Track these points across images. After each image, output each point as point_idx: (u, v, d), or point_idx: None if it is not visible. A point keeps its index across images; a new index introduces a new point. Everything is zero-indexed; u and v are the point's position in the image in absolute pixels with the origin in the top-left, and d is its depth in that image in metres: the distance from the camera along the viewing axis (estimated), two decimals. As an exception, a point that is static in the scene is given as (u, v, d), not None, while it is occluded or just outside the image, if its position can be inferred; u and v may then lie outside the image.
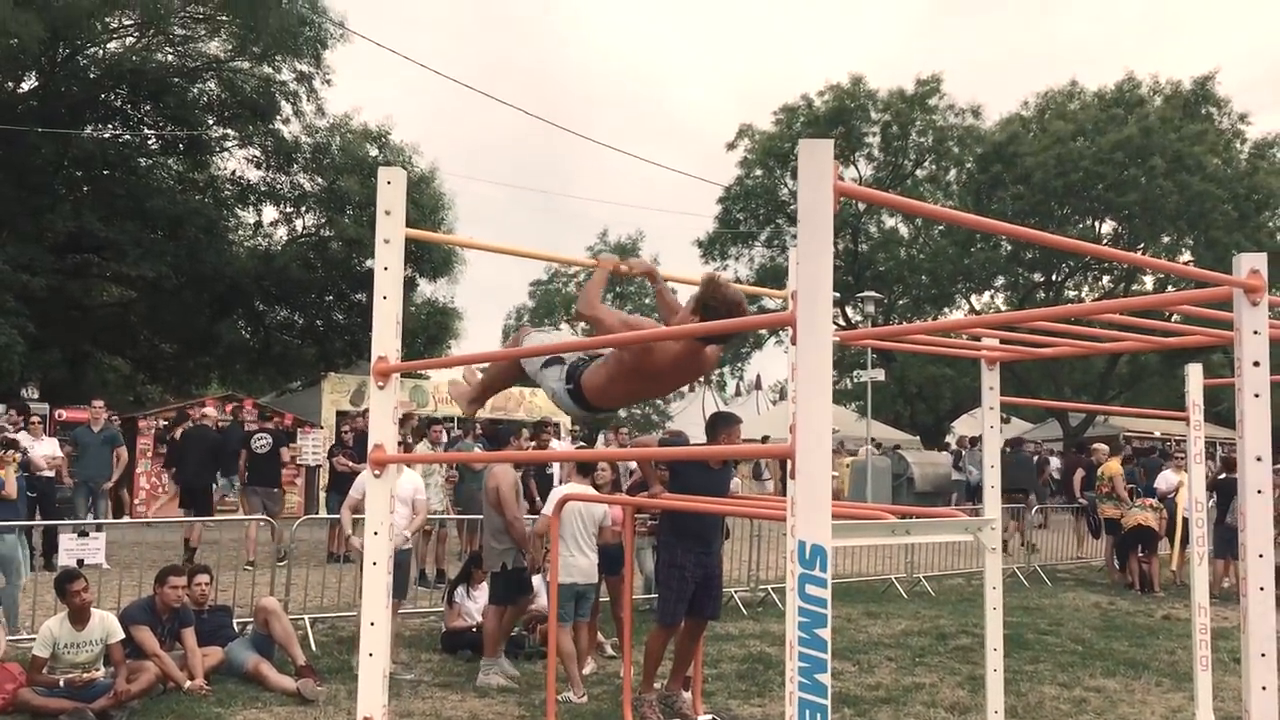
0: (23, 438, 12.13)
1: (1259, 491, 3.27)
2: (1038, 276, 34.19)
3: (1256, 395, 3.27)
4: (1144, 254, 32.72)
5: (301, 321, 26.78)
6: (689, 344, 4.08)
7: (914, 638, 10.05)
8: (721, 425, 6.76)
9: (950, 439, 33.71)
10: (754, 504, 6.38)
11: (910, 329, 4.18)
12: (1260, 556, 3.22)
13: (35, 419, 13.28)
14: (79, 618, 6.83)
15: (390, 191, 3.78)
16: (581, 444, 17.51)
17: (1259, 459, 3.28)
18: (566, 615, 7.56)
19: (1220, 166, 30.71)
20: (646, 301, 36.86)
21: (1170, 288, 33.11)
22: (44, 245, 20.75)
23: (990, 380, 5.67)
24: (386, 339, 3.73)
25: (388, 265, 3.76)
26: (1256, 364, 3.28)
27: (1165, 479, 14.79)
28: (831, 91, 34.47)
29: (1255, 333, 3.31)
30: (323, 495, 16.87)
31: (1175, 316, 22.63)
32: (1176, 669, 8.92)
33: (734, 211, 36.30)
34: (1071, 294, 35.00)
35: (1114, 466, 14.52)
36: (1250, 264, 3.36)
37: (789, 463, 2.46)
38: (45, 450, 12.25)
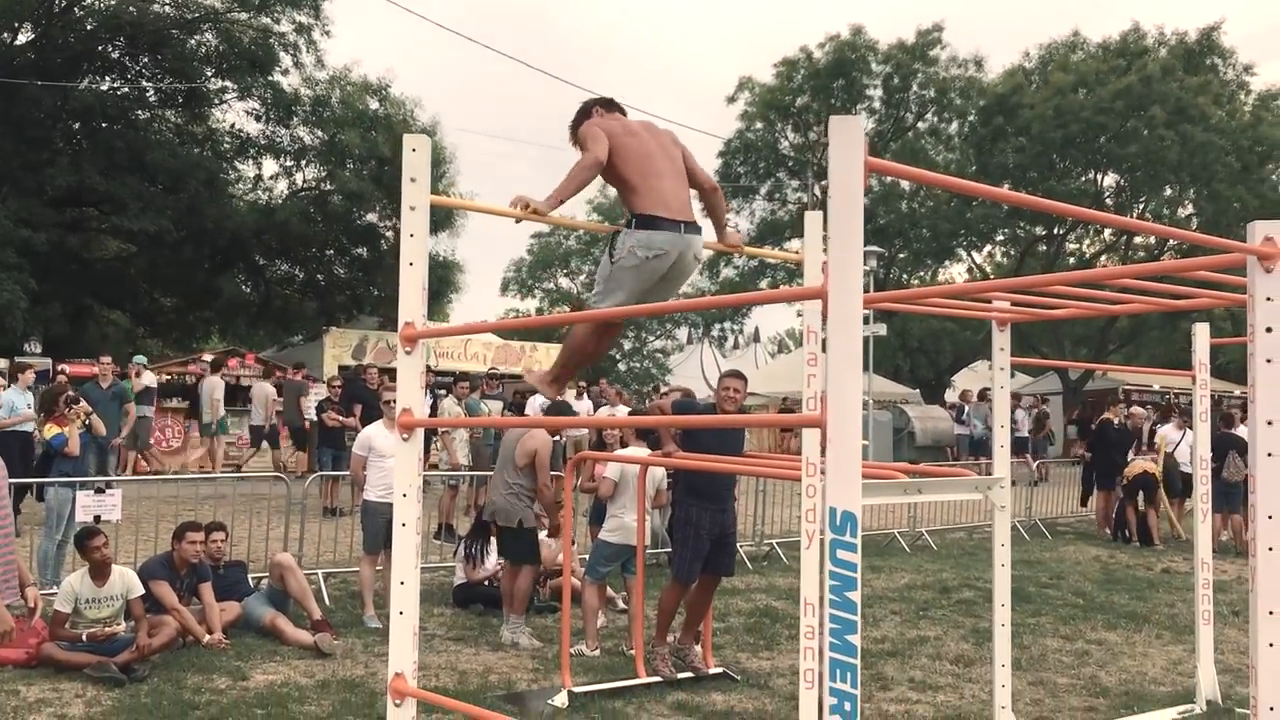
0: (11, 393, 12.15)
1: (1269, 455, 3.34)
2: (1039, 230, 34.16)
3: (1269, 360, 3.33)
4: (1146, 206, 32.72)
5: (302, 276, 26.81)
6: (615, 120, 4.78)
7: (917, 591, 10.22)
8: (721, 378, 7.05)
9: (951, 393, 33.87)
10: (768, 463, 6.46)
11: (925, 292, 4.24)
12: (1270, 518, 3.30)
13: (32, 371, 13.21)
14: (100, 573, 6.94)
15: (415, 158, 3.81)
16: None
17: (1270, 423, 3.34)
18: (600, 573, 7.72)
19: (1224, 118, 30.58)
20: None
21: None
22: (43, 200, 20.71)
23: (1001, 341, 5.75)
24: (413, 305, 3.78)
25: (414, 232, 3.80)
26: (1269, 330, 3.34)
27: (1166, 435, 14.91)
28: (832, 43, 34.22)
29: (1268, 299, 3.37)
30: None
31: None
32: (1176, 622, 9.08)
33: (734, 165, 36.18)
34: (1072, 246, 35.01)
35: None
36: (1265, 231, 3.41)
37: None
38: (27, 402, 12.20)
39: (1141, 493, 14.09)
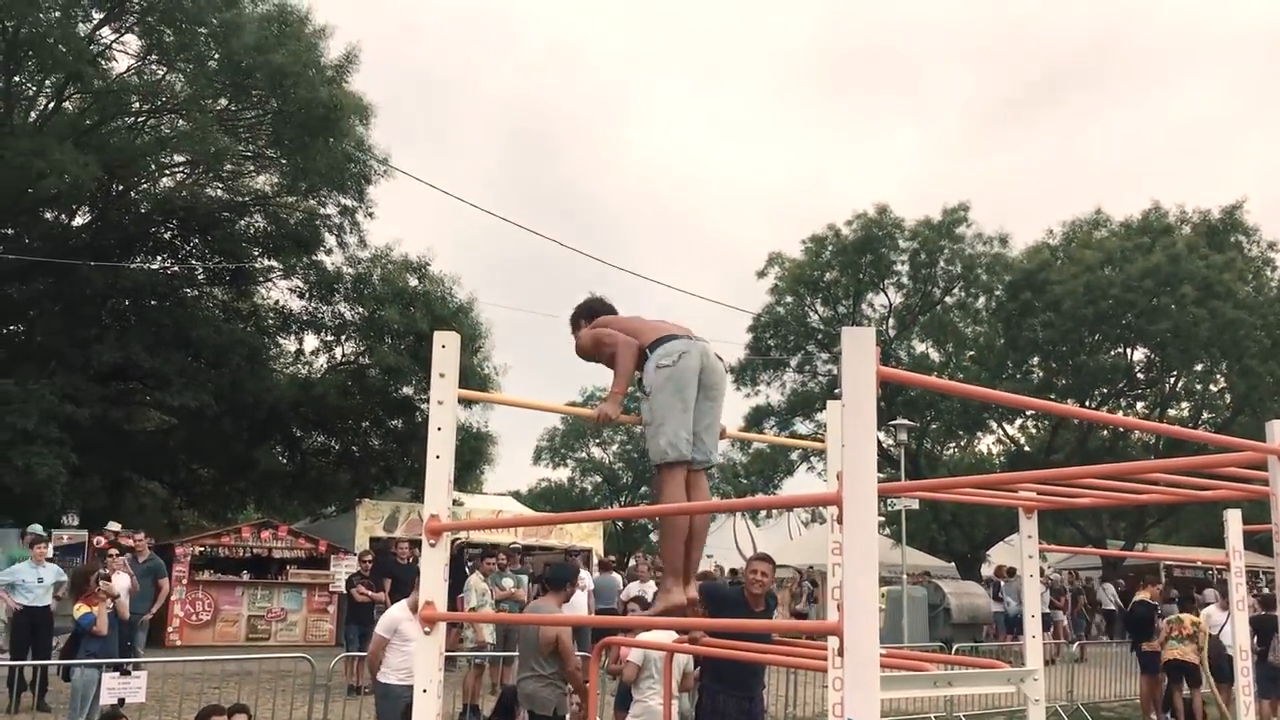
0: (24, 568, 12.17)
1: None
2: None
3: (1293, 559, 3.33)
4: (1179, 380, 32.74)
5: (338, 447, 27.05)
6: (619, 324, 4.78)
7: (956, 782, 9.83)
8: (749, 562, 7.13)
9: (986, 567, 33.23)
10: (796, 651, 6.35)
11: (954, 482, 4.29)
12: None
13: (46, 545, 13.35)
14: (120, 760, 6.86)
15: (444, 354, 3.92)
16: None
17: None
18: None
19: (1250, 294, 30.87)
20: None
21: (1204, 410, 33.04)
22: (89, 375, 21.21)
23: (1029, 529, 5.72)
24: (439, 498, 3.82)
25: (441, 426, 3.88)
26: (1292, 528, 3.35)
27: (1210, 616, 14.49)
28: (859, 220, 34.99)
29: (1289, 498, 3.39)
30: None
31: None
32: (1229, 819, 8.66)
33: (765, 339, 36.62)
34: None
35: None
36: (1282, 430, 3.46)
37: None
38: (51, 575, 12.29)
39: (1185, 678, 13.63)
